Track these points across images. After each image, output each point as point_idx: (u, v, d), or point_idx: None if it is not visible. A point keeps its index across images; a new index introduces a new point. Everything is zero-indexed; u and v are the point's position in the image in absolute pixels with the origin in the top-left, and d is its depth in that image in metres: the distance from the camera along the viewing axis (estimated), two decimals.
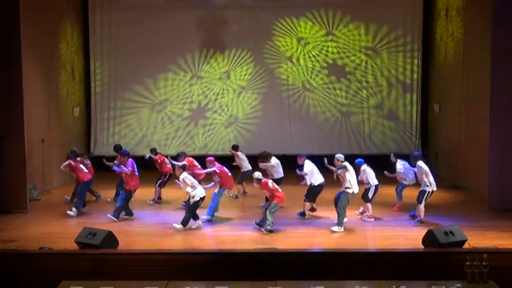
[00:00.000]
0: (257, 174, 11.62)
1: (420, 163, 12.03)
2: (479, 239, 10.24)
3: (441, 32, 17.95)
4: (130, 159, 12.52)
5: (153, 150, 13.99)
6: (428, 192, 11.79)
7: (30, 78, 13.97)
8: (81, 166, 12.99)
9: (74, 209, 12.61)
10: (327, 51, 19.06)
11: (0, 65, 12.75)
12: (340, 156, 11.90)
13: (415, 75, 19.12)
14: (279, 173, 13.39)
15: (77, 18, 18.55)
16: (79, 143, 18.37)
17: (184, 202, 13.03)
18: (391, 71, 19.17)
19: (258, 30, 18.91)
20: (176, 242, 10.81)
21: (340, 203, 11.43)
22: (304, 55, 19.06)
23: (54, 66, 16.31)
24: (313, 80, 19.12)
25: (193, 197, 11.44)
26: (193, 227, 11.44)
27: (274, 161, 13.39)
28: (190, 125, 19.06)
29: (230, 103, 19.10)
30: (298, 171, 12.35)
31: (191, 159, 13.50)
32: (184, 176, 11.52)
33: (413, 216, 11.99)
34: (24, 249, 9.69)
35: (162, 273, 8.83)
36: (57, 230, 11.49)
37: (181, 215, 11.66)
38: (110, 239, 9.76)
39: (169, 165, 13.67)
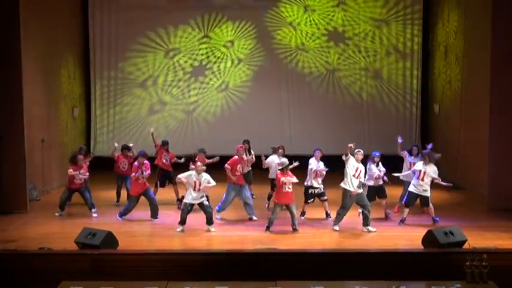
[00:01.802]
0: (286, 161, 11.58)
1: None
2: (479, 239, 10.23)
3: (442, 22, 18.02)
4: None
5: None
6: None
7: (30, 78, 13.97)
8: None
9: (93, 209, 12.63)
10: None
11: (0, 65, 12.75)
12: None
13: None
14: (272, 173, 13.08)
15: (77, 18, 18.56)
16: (79, 143, 18.37)
17: (179, 201, 13.12)
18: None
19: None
20: (176, 242, 10.81)
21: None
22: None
23: (54, 66, 16.31)
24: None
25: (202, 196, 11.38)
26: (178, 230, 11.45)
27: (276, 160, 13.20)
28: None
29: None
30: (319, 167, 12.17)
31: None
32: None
33: (437, 221, 11.78)
34: (24, 250, 9.68)
35: (162, 273, 8.82)
36: (57, 230, 11.50)
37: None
38: (110, 239, 9.76)
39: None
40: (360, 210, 11.72)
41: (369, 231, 11.25)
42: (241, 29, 19.23)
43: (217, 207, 12.25)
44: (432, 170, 11.73)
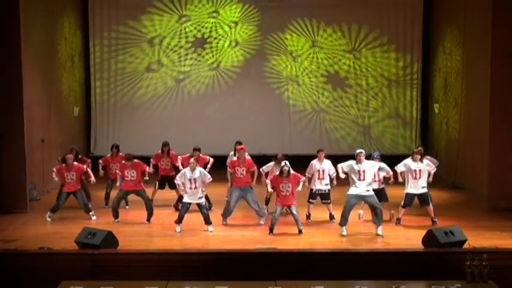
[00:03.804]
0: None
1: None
2: (479, 239, 10.23)
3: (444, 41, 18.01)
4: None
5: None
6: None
7: (30, 78, 13.96)
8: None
9: (90, 213, 12.38)
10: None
11: (0, 65, 12.75)
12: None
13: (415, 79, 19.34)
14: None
15: (77, 16, 18.55)
16: (79, 143, 18.38)
17: (179, 201, 13.01)
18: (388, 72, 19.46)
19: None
20: (176, 242, 10.80)
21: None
22: (310, 57, 19.22)
23: (54, 65, 16.31)
24: (306, 77, 19.32)
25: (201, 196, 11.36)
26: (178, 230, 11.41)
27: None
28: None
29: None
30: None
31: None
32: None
33: (436, 222, 11.69)
34: (24, 249, 9.68)
35: (162, 273, 8.83)
36: (57, 230, 11.49)
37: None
38: (110, 239, 9.76)
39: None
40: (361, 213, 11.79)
41: (379, 234, 10.98)
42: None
43: (222, 214, 11.97)
44: (426, 164, 11.69)
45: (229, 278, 8.52)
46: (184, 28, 19.31)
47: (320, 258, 9.44)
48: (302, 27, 19.22)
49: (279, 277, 8.40)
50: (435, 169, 11.92)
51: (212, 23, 19.29)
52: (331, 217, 12.19)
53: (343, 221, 11.03)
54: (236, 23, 19.30)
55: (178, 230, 11.31)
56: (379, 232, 10.98)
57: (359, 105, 19.37)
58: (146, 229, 11.77)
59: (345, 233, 11.01)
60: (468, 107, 15.87)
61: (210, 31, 19.30)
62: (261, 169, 12.54)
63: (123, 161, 12.13)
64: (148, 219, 12.08)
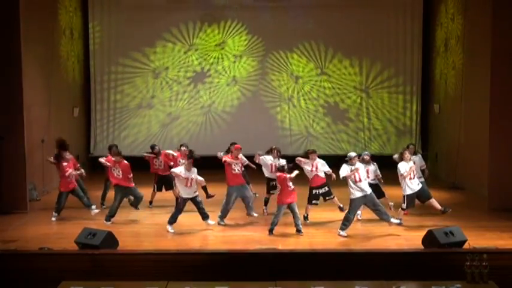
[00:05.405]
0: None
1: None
2: (479, 239, 10.23)
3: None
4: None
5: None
6: None
7: (30, 78, 13.96)
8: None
9: (93, 206, 12.45)
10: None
11: (0, 65, 12.75)
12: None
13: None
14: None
15: (77, 15, 18.55)
16: (79, 143, 18.38)
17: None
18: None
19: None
20: (176, 243, 10.80)
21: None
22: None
23: (54, 65, 16.30)
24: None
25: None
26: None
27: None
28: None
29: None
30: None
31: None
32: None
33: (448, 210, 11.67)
34: (25, 250, 9.69)
35: (162, 273, 8.83)
36: (57, 231, 11.50)
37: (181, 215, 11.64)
38: (110, 239, 9.77)
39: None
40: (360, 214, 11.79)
41: (394, 223, 10.97)
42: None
43: (219, 215, 11.93)
44: (417, 161, 11.89)
45: (229, 279, 8.53)
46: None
47: (320, 258, 9.43)
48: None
49: (279, 277, 8.42)
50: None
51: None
52: (341, 209, 11.97)
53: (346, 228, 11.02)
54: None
55: (171, 230, 11.32)
56: (394, 221, 10.97)
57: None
58: (146, 229, 11.78)
59: (344, 234, 11.02)
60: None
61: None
62: (259, 157, 12.59)
63: (112, 157, 12.18)
64: (136, 207, 12.26)
